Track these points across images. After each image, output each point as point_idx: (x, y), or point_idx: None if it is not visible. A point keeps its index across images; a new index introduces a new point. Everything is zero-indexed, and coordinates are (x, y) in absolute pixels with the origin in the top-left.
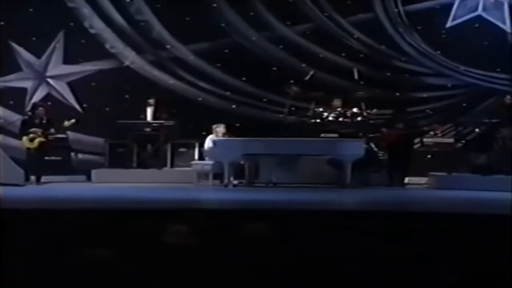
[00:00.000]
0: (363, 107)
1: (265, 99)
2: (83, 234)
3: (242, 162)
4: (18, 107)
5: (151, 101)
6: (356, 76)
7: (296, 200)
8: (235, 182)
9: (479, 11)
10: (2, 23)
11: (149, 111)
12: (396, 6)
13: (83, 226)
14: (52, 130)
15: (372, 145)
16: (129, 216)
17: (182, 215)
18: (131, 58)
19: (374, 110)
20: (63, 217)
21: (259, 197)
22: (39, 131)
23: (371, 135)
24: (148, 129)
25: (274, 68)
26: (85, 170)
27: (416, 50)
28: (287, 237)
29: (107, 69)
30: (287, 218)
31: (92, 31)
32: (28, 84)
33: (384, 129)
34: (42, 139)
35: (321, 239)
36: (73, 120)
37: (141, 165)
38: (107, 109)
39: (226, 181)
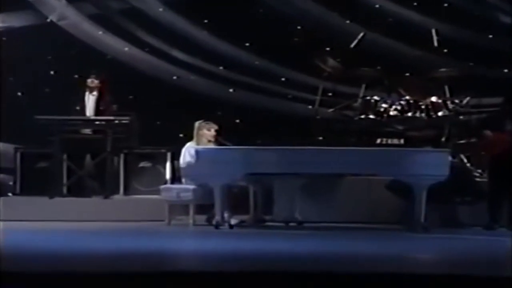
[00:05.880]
0: (448, 94)
1: (283, 79)
2: None
3: (244, 185)
4: None
5: (91, 81)
6: (435, 41)
7: (335, 254)
8: (233, 221)
9: None
10: None
11: (90, 99)
12: None
13: None
14: None
15: (463, 159)
16: (54, 283)
17: (143, 283)
18: (59, 10)
19: (467, 99)
20: None
21: (273, 247)
22: None
23: (461, 141)
24: (87, 130)
25: (299, 27)
26: None
27: None
28: None
29: (21, 27)
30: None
31: None
32: None
33: (484, 132)
34: None
35: None
36: None
37: (76, 190)
38: (20, 93)
39: (217, 218)
